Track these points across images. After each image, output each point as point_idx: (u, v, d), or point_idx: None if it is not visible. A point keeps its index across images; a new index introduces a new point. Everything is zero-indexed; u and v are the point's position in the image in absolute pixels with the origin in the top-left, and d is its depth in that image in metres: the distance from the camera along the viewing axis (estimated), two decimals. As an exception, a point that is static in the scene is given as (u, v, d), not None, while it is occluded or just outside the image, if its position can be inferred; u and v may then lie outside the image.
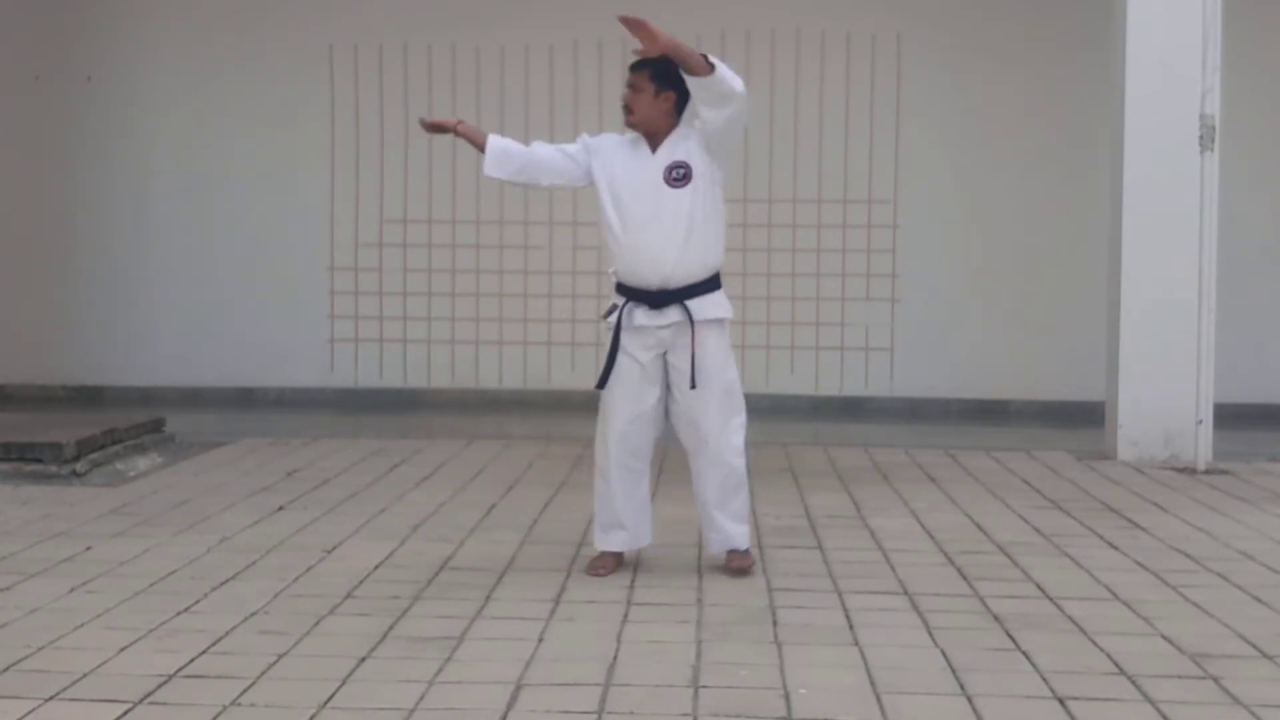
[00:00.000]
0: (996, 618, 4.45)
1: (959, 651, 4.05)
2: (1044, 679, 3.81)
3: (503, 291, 10.60)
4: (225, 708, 3.55)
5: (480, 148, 4.97)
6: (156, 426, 7.97)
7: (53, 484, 6.73)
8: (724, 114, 4.73)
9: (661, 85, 4.84)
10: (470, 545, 5.50)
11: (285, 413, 10.05)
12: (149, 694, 3.65)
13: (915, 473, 7.29)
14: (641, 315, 4.89)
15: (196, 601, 4.59)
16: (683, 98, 4.90)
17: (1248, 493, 6.78)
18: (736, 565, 5.00)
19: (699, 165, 4.84)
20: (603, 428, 5.02)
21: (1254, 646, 4.14)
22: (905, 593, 4.78)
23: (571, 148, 4.99)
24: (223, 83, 10.69)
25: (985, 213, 10.31)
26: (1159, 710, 3.57)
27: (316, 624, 4.33)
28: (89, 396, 10.72)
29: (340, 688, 3.71)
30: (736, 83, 4.65)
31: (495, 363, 10.67)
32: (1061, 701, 3.63)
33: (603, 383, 4.94)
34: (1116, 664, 3.95)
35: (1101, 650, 4.08)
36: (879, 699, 3.64)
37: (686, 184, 4.83)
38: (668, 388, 4.97)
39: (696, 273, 4.86)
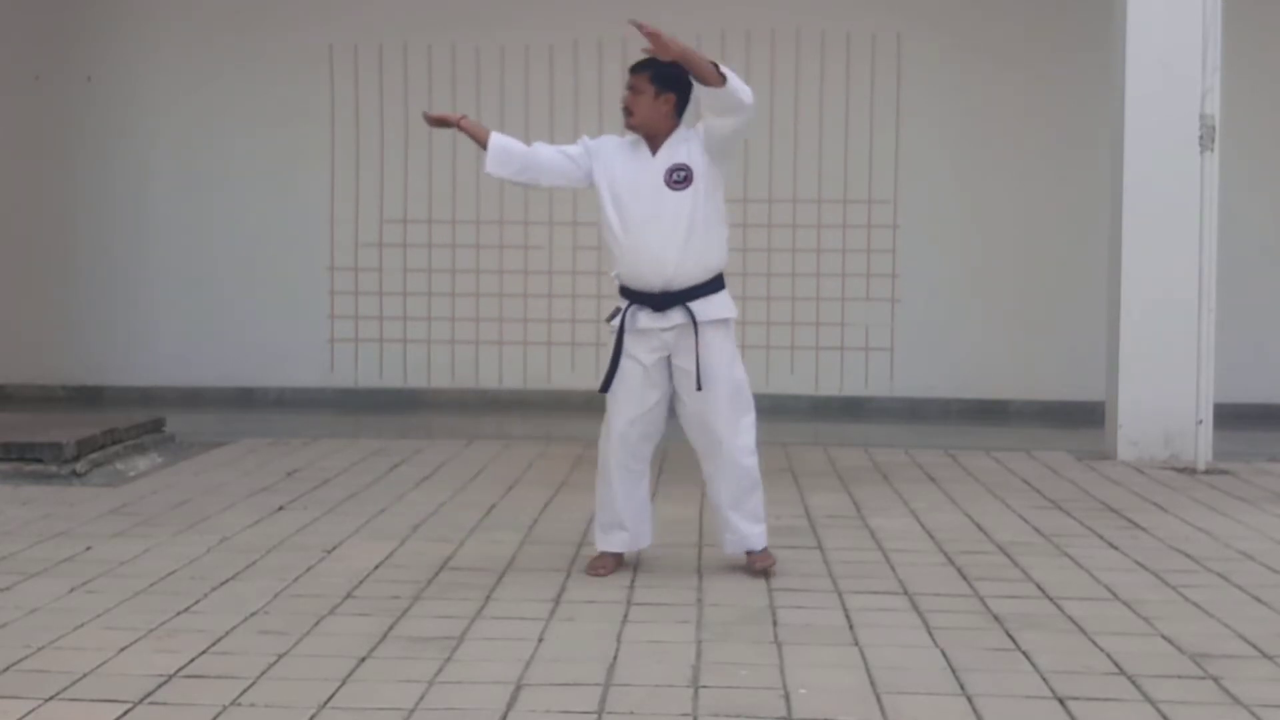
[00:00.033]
0: (996, 618, 4.45)
1: (959, 651, 4.05)
2: (1044, 679, 3.81)
3: (503, 291, 10.60)
4: (225, 708, 3.55)
5: (482, 144, 4.97)
6: (156, 426, 7.97)
7: (53, 484, 6.73)
8: (732, 123, 4.75)
9: (661, 87, 4.84)
10: (470, 545, 5.50)
11: (285, 413, 10.05)
12: (149, 694, 3.65)
13: (915, 473, 7.29)
14: (645, 318, 4.89)
15: (196, 601, 4.59)
16: (682, 99, 4.90)
17: (1248, 493, 6.78)
18: (759, 565, 4.98)
19: (700, 167, 4.84)
20: (606, 428, 5.02)
21: (1254, 646, 4.14)
22: (905, 593, 4.78)
23: (573, 149, 4.99)
24: (223, 83, 10.69)
25: (985, 213, 10.31)
26: (1159, 710, 3.57)
27: (316, 624, 4.33)
28: (89, 396, 10.72)
29: (340, 688, 3.71)
30: (746, 93, 4.67)
31: (495, 363, 10.67)
32: (1061, 701, 3.63)
33: (606, 386, 4.94)
34: (1116, 664, 3.95)
35: (1101, 650, 4.08)
36: (879, 699, 3.64)
37: (687, 186, 4.83)
38: (674, 391, 4.96)
39: (698, 274, 4.86)
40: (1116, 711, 3.58)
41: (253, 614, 4.44)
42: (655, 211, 4.82)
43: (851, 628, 4.32)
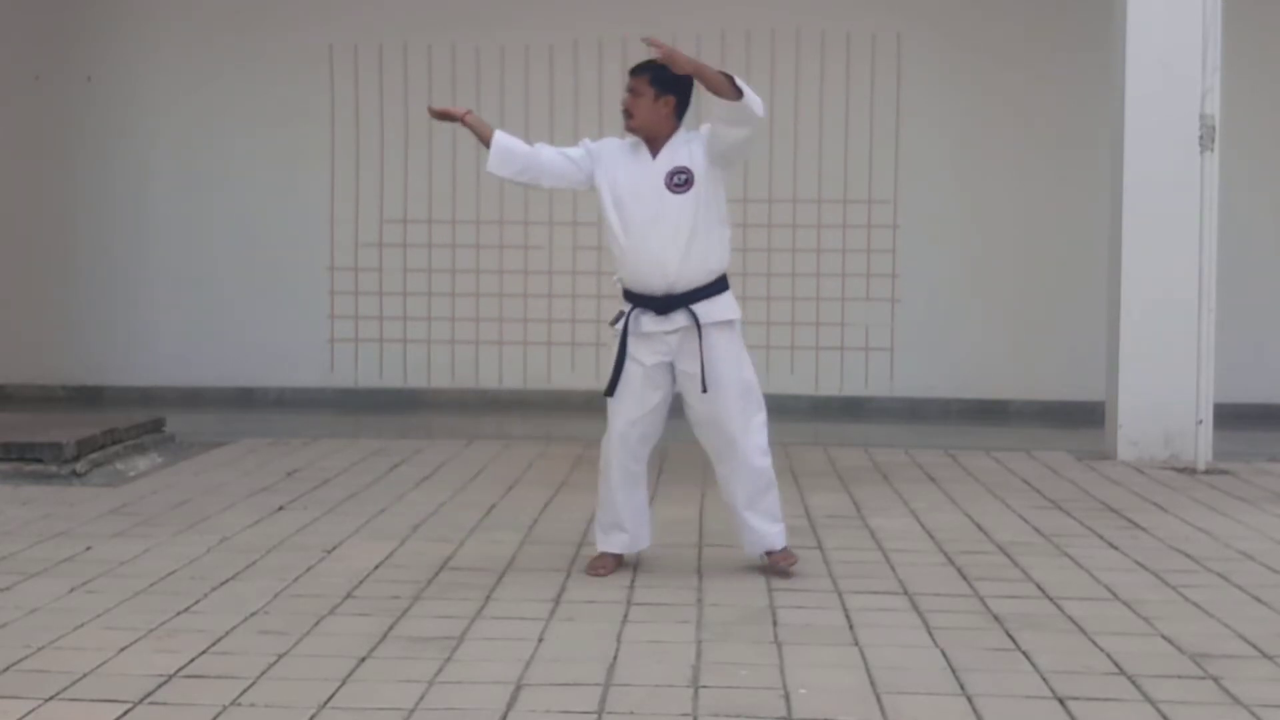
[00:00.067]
0: (996, 618, 4.45)
1: (959, 651, 4.05)
2: (1044, 679, 3.81)
3: (503, 291, 10.60)
4: (225, 708, 3.55)
5: (485, 142, 4.97)
6: (156, 426, 7.97)
7: (53, 484, 6.73)
8: (742, 133, 4.77)
9: (661, 89, 4.84)
10: (470, 545, 5.50)
11: (285, 413, 10.05)
12: (149, 694, 3.65)
13: (915, 473, 7.29)
14: (648, 321, 4.88)
15: (196, 601, 4.59)
16: (683, 101, 4.90)
17: (1248, 493, 6.78)
18: (782, 565, 4.97)
19: (701, 170, 4.84)
20: (607, 429, 5.02)
21: (1254, 646, 4.14)
22: (905, 593, 4.78)
23: (574, 152, 4.99)
24: (223, 83, 10.69)
25: (985, 213, 10.31)
26: (1159, 710, 3.57)
27: (316, 624, 4.33)
28: (89, 396, 10.72)
29: (340, 688, 3.71)
30: (759, 106, 4.68)
31: (495, 363, 10.67)
32: (1061, 701, 3.63)
33: (611, 390, 4.93)
34: (1116, 664, 3.95)
35: (1101, 650, 4.08)
36: (879, 699, 3.64)
37: (688, 189, 4.83)
38: (682, 395, 4.96)
39: (700, 277, 4.86)
40: (1116, 711, 3.58)
41: (253, 614, 4.44)
42: (656, 215, 4.82)
43: (851, 628, 4.32)
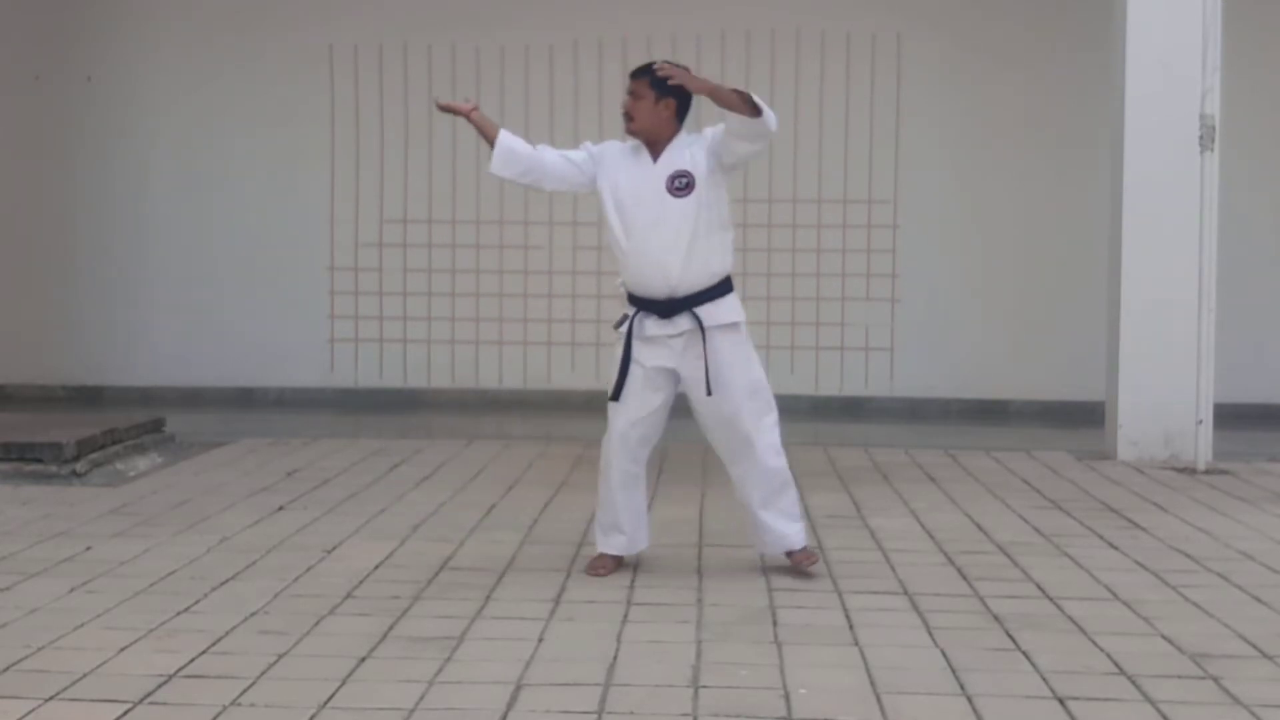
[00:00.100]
0: (996, 618, 4.45)
1: (959, 651, 4.05)
2: (1044, 679, 3.81)
3: (503, 291, 10.60)
4: (225, 708, 3.55)
5: (489, 140, 4.95)
6: (156, 426, 7.97)
7: (53, 484, 6.73)
8: (756, 147, 4.80)
9: (662, 92, 4.84)
10: (470, 545, 5.50)
11: (285, 413, 10.05)
12: (149, 694, 3.65)
13: (915, 473, 7.29)
14: (652, 325, 4.88)
15: (196, 601, 4.59)
16: (683, 104, 4.90)
17: (1248, 493, 6.78)
18: (804, 564, 4.95)
19: (702, 173, 4.83)
20: (608, 429, 5.01)
21: (1254, 646, 4.14)
22: (905, 593, 4.78)
23: (577, 156, 4.98)
24: (223, 83, 10.69)
25: (985, 213, 10.31)
26: (1159, 710, 3.57)
27: (316, 624, 4.33)
28: (89, 396, 10.72)
29: (340, 688, 3.71)
30: (774, 121, 4.68)
31: (495, 363, 10.67)
32: (1061, 701, 3.63)
33: (616, 394, 4.92)
34: (1116, 664, 3.95)
35: (1101, 650, 4.08)
36: (879, 699, 3.64)
37: (689, 193, 4.82)
38: (691, 400, 4.95)
39: (703, 280, 4.85)
40: (1116, 711, 3.58)
41: (253, 614, 4.44)
42: (658, 219, 4.82)
43: (851, 628, 4.32)
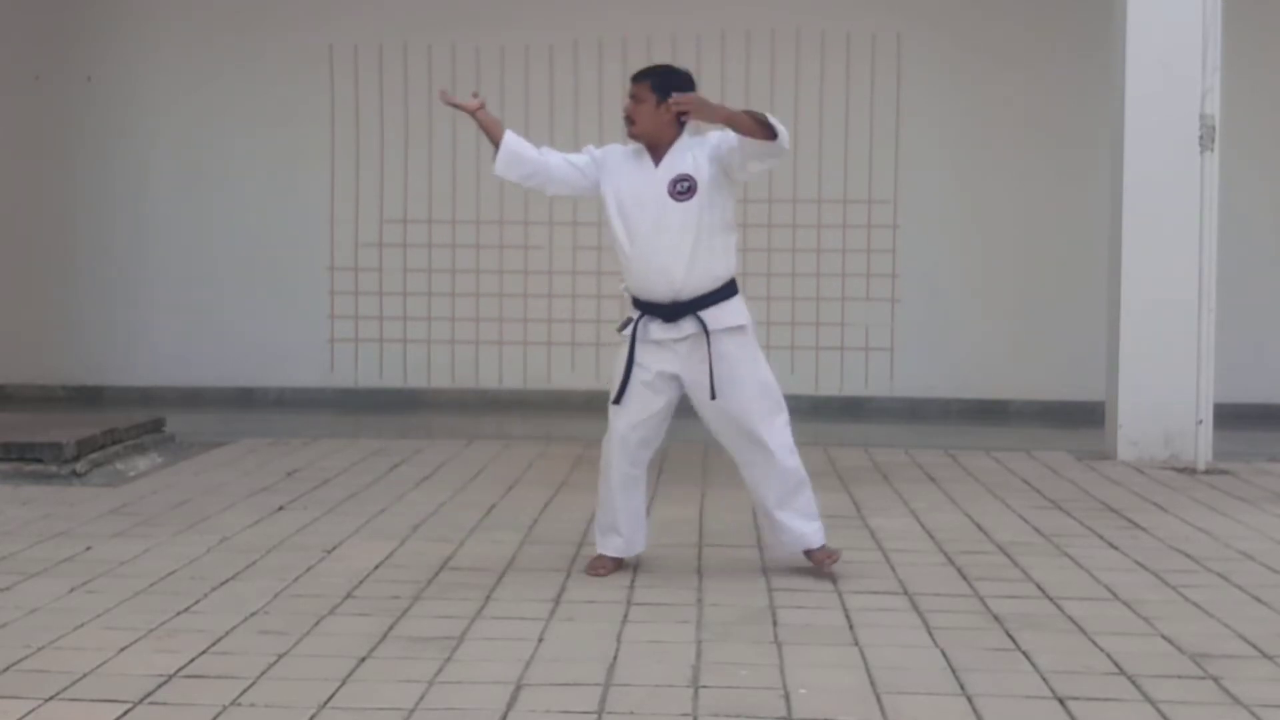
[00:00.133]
0: (996, 618, 4.45)
1: (959, 651, 4.05)
2: (1044, 679, 3.81)
3: (503, 291, 10.59)
4: (225, 708, 3.55)
5: (493, 140, 4.94)
6: (156, 426, 7.97)
7: (53, 484, 6.73)
8: (769, 164, 4.82)
9: (663, 95, 4.83)
10: (470, 545, 5.50)
11: (285, 413, 10.05)
12: (149, 694, 3.65)
13: (915, 473, 7.29)
14: (657, 329, 4.87)
15: (196, 601, 4.59)
16: None
17: (1248, 493, 6.78)
18: (825, 563, 4.94)
19: (704, 177, 4.82)
20: (608, 430, 5.01)
21: (1254, 646, 4.14)
22: (905, 593, 4.78)
23: (581, 160, 4.97)
24: (223, 83, 10.69)
25: (985, 213, 10.31)
26: (1159, 710, 3.57)
27: (316, 624, 4.33)
28: (89, 396, 10.72)
29: (340, 688, 3.71)
30: (788, 139, 4.69)
31: (495, 363, 10.67)
32: (1061, 701, 3.63)
33: (619, 398, 4.91)
34: (1116, 664, 3.95)
35: (1101, 650, 4.08)
36: (879, 699, 3.64)
37: (691, 197, 4.81)
38: (698, 405, 4.94)
39: (707, 284, 4.84)
40: (1116, 711, 3.58)
41: (253, 614, 4.44)
42: (660, 223, 4.81)
43: (851, 628, 4.32)
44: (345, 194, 10.67)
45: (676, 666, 3.89)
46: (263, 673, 3.84)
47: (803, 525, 4.96)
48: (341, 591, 4.73)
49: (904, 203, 10.35)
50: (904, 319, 10.38)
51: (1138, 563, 5.24)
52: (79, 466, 6.92)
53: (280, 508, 6.22)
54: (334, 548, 5.42)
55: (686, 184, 4.82)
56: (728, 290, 4.90)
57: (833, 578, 4.94)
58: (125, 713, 3.52)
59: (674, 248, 4.80)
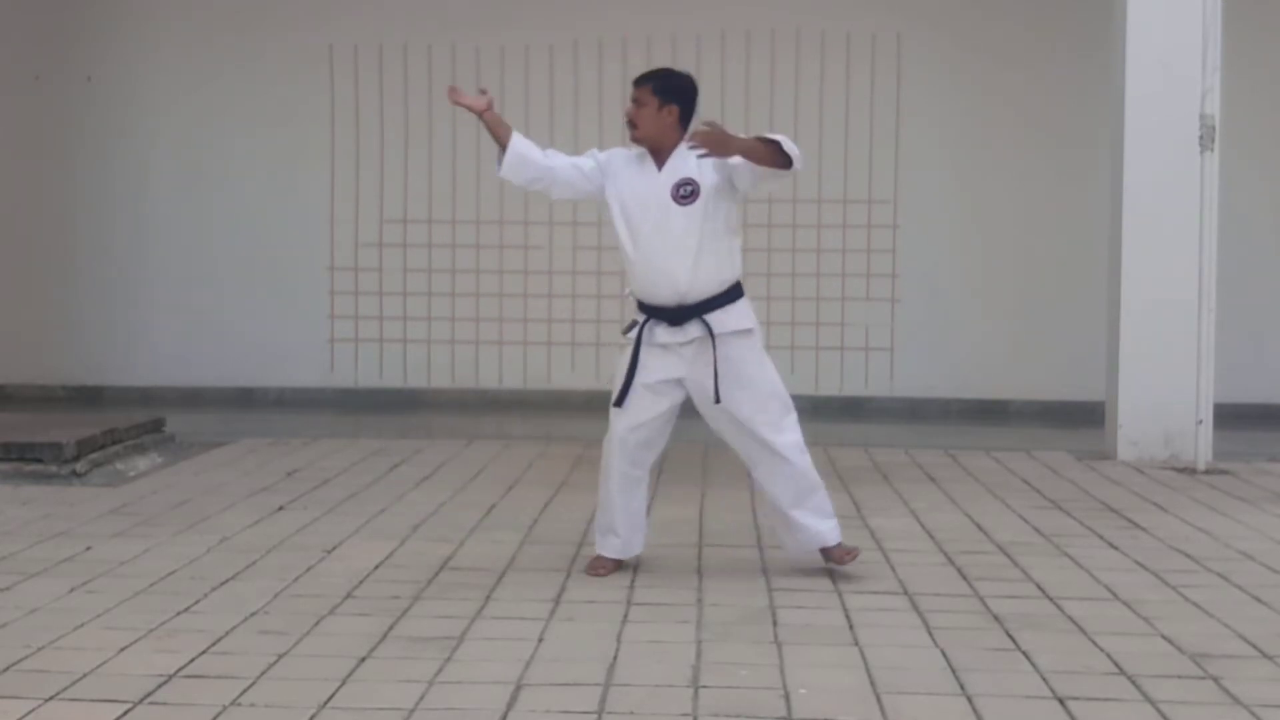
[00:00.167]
0: (996, 618, 4.45)
1: (959, 651, 4.05)
2: (1044, 679, 3.81)
3: (503, 291, 10.59)
4: (225, 708, 3.55)
5: (500, 142, 4.91)
6: (156, 426, 7.97)
7: (53, 484, 6.73)
8: (780, 183, 4.86)
9: (665, 99, 4.83)
10: (470, 545, 5.50)
11: (285, 413, 10.05)
12: (149, 694, 3.65)
13: (915, 473, 7.29)
14: (662, 333, 4.87)
15: (196, 601, 4.59)
16: (686, 110, 4.89)
17: (1248, 493, 6.78)
18: (842, 560, 4.93)
19: (707, 181, 4.81)
20: (609, 430, 5.01)
21: (1254, 646, 4.14)
22: (905, 593, 4.78)
23: (585, 164, 4.96)
24: (223, 83, 10.69)
25: (985, 213, 10.31)
26: (1159, 710, 3.57)
27: (316, 624, 4.33)
28: (89, 396, 10.72)
29: (340, 688, 3.71)
30: (801, 163, 4.72)
31: (495, 363, 10.67)
32: (1061, 701, 3.63)
33: (620, 400, 4.91)
34: (1116, 664, 3.95)
35: (1101, 650, 4.08)
36: (879, 699, 3.64)
37: (694, 201, 4.81)
38: (705, 409, 4.94)
39: (712, 287, 4.84)
40: (1116, 711, 3.58)
41: (253, 614, 4.43)
42: (663, 227, 4.80)
43: (851, 628, 4.32)
44: (345, 194, 10.67)
45: (676, 666, 3.89)
46: (263, 673, 3.84)
47: (819, 523, 4.95)
48: (341, 591, 4.73)
49: (904, 203, 10.35)
50: (904, 319, 10.38)
51: (1138, 563, 5.24)
52: (79, 466, 6.92)
53: (280, 508, 6.22)
54: (334, 548, 5.42)
55: (690, 188, 4.81)
56: (733, 293, 4.89)
57: (832, 578, 4.94)
58: (125, 713, 3.51)
59: (677, 251, 4.79)
